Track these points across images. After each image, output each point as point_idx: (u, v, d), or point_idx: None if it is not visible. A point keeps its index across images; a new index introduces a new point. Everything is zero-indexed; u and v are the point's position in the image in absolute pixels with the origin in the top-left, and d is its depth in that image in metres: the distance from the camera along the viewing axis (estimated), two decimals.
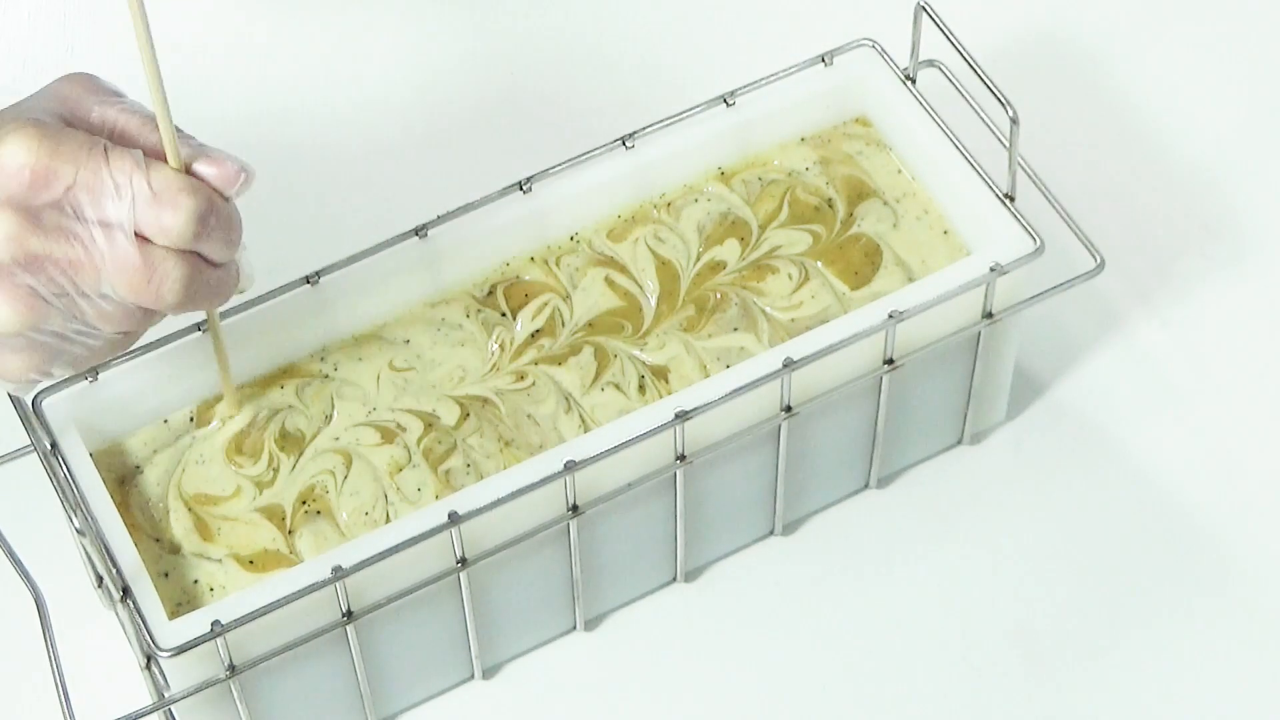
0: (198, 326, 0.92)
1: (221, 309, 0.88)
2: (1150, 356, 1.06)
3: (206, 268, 0.81)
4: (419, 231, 0.95)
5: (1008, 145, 0.95)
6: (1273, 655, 0.97)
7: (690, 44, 1.18)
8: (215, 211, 0.80)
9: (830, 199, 0.99)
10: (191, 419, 0.94)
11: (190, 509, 0.91)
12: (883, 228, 0.99)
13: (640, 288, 0.97)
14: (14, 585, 0.90)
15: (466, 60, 1.18)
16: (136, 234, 0.78)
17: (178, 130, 0.80)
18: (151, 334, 0.92)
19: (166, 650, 0.84)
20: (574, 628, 0.98)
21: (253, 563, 0.90)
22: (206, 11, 1.19)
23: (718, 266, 0.98)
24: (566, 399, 0.94)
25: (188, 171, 0.80)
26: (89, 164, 0.78)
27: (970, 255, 0.96)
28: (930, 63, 1.00)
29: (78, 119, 0.80)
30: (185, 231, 0.79)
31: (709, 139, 0.99)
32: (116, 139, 0.80)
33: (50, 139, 0.77)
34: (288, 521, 0.91)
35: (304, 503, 0.91)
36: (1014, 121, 0.94)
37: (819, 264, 0.98)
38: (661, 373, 0.95)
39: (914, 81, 0.99)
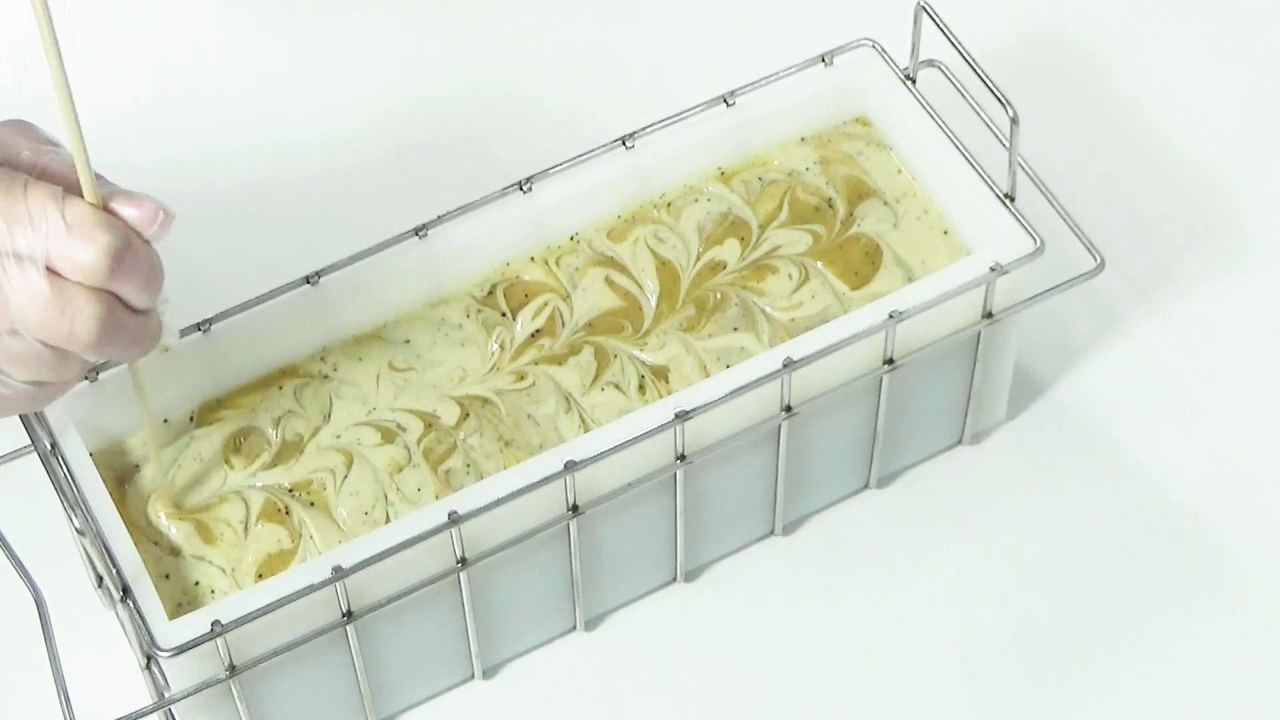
0: (198, 327, 0.92)
1: (145, 357, 0.84)
2: (1150, 356, 1.06)
3: (124, 312, 0.79)
4: (419, 231, 0.95)
5: (1008, 145, 0.95)
6: (1273, 655, 0.97)
7: (690, 44, 1.18)
8: (133, 251, 0.78)
9: (830, 199, 1.00)
10: (192, 419, 0.94)
11: (190, 510, 0.91)
12: (883, 228, 0.99)
13: (640, 288, 0.97)
14: (14, 585, 0.90)
15: (467, 60, 1.18)
16: (51, 269, 0.77)
17: (97, 175, 0.79)
18: None
19: (166, 650, 0.84)
20: (574, 628, 0.98)
21: (254, 563, 0.90)
22: (206, 11, 1.19)
23: (718, 266, 0.98)
24: (566, 399, 0.94)
25: (106, 210, 0.78)
26: (5, 196, 0.76)
27: (970, 255, 0.96)
28: (930, 63, 1.00)
29: (6, 159, 0.79)
30: (100, 267, 0.77)
31: (709, 139, 0.99)
32: (42, 179, 0.79)
33: None
34: (288, 521, 0.91)
35: (303, 502, 0.91)
36: (1014, 121, 0.94)
37: (819, 264, 0.98)
38: (661, 373, 0.95)
39: (914, 81, 0.99)
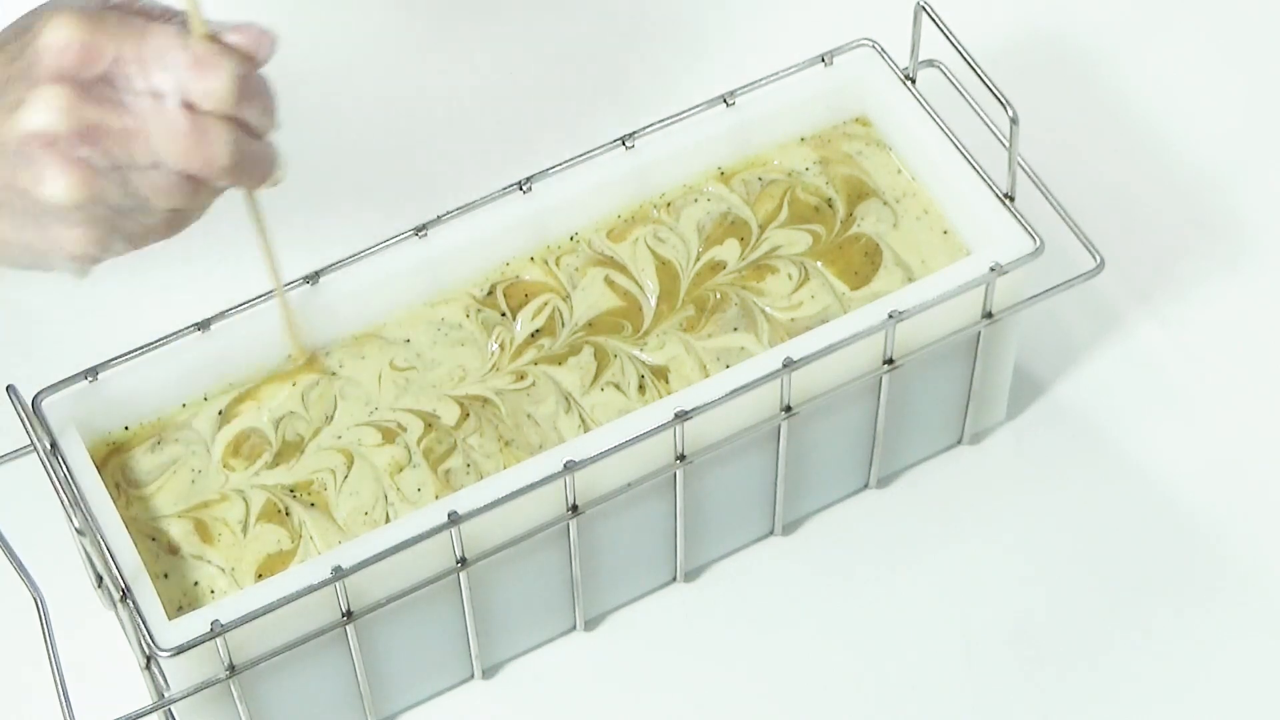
0: (198, 326, 0.92)
1: (261, 189, 0.86)
2: (1150, 356, 1.06)
3: (248, 139, 0.82)
4: (419, 231, 0.95)
5: (1008, 145, 0.95)
6: (1273, 655, 0.97)
7: (690, 44, 1.18)
8: (251, 76, 0.81)
9: (830, 199, 0.99)
10: (192, 418, 0.94)
11: (190, 510, 0.91)
12: (883, 228, 0.99)
13: (640, 288, 0.97)
14: (14, 585, 0.90)
15: (467, 60, 1.18)
16: (183, 102, 0.80)
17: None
18: (151, 334, 0.92)
19: (166, 650, 0.84)
20: (574, 628, 0.98)
21: (254, 563, 0.90)
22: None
23: (718, 266, 0.98)
24: (566, 399, 0.94)
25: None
26: (131, 38, 0.79)
27: (970, 255, 0.96)
28: (930, 63, 1.00)
29: (112, 6, 0.82)
30: (229, 93, 0.79)
31: (709, 139, 0.99)
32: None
33: (90, 19, 0.78)
34: (288, 521, 0.91)
35: (303, 502, 0.91)
36: (1014, 121, 0.94)
37: (819, 264, 0.98)
38: (661, 373, 0.95)
39: (914, 81, 0.99)
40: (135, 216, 0.81)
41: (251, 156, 0.82)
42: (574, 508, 0.90)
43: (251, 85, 0.81)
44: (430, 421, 0.94)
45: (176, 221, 0.83)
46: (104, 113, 0.78)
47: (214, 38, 0.80)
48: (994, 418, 1.03)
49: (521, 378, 0.95)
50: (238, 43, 0.81)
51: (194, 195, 0.82)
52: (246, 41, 0.81)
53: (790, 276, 0.97)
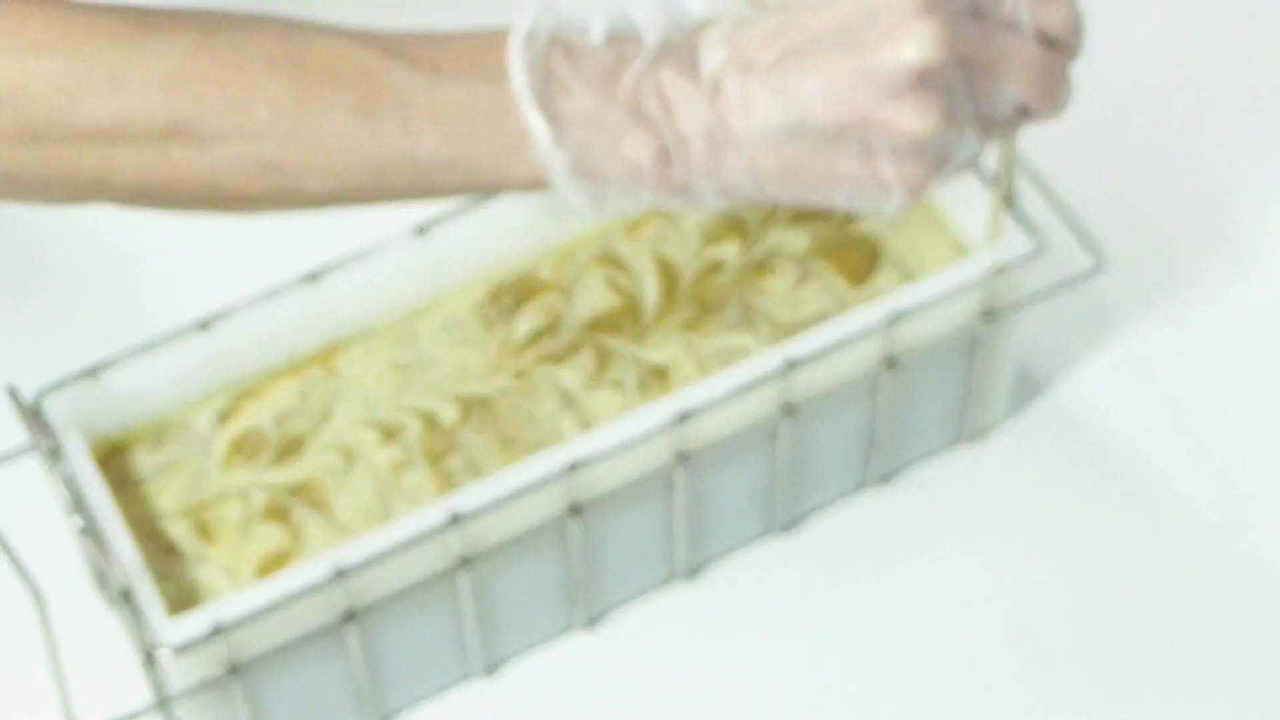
0: (199, 326, 0.92)
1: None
2: (1150, 356, 1.06)
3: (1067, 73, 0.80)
4: (419, 231, 0.95)
5: (1008, 145, 0.95)
6: (1273, 655, 0.97)
7: None
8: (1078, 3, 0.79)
9: None
10: (192, 418, 0.94)
11: (190, 510, 0.91)
12: (882, 228, 0.99)
13: (640, 287, 0.97)
14: (14, 585, 0.90)
15: None
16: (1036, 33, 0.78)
17: None
18: (149, 335, 0.92)
19: (167, 649, 0.84)
20: (574, 627, 0.98)
21: (254, 563, 0.90)
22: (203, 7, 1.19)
23: (718, 266, 0.98)
24: (566, 398, 0.94)
25: None
26: None
27: (970, 255, 0.96)
28: None
29: None
30: (1071, 22, 0.78)
31: None
32: None
33: None
34: (288, 521, 0.91)
35: (303, 502, 0.92)
36: None
37: (819, 264, 0.98)
38: (661, 372, 0.95)
39: None
40: (961, 150, 0.78)
41: (1069, 85, 0.79)
42: (574, 507, 0.90)
43: (1077, 14, 0.79)
44: (430, 421, 0.94)
45: (979, 156, 0.80)
46: (973, 45, 0.76)
47: None
48: (994, 418, 1.03)
49: (522, 377, 0.95)
50: None
51: (1014, 128, 0.80)
52: None
53: (791, 276, 0.97)
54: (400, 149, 0.77)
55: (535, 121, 0.76)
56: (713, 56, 0.76)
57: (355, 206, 0.80)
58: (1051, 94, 0.78)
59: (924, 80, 0.75)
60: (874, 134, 0.76)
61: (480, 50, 0.78)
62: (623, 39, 0.77)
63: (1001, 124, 0.79)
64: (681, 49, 0.76)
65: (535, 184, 0.77)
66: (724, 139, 0.76)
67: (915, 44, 0.74)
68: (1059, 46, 0.78)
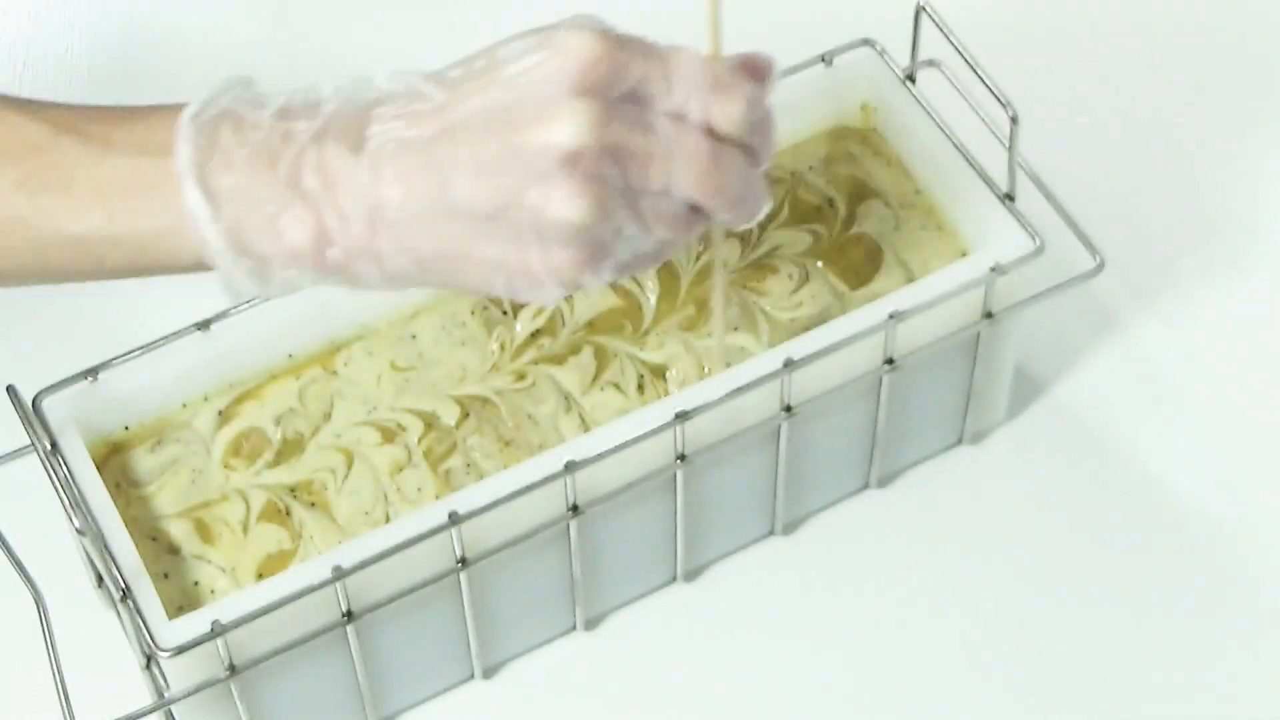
0: (198, 326, 0.92)
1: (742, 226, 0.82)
2: (1150, 356, 1.06)
3: (750, 168, 0.77)
4: None
5: (1008, 145, 0.95)
6: (1273, 655, 0.97)
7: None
8: (759, 103, 0.77)
9: (831, 199, 1.00)
10: (192, 418, 0.94)
11: (190, 510, 0.91)
12: (883, 228, 0.99)
13: (640, 287, 0.97)
14: (14, 585, 0.90)
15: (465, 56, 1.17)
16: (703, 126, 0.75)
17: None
18: (149, 335, 0.92)
19: (166, 650, 0.84)
20: (574, 628, 0.98)
21: (254, 563, 0.90)
22: (201, 6, 1.19)
23: None
24: (566, 399, 0.94)
25: None
26: (655, 56, 0.75)
27: (970, 255, 0.96)
28: (930, 63, 1.00)
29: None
30: (745, 119, 0.75)
31: None
32: None
33: (611, 36, 0.75)
34: (288, 521, 0.91)
35: (303, 502, 0.91)
36: (1014, 121, 0.94)
37: (819, 264, 0.98)
38: (661, 372, 0.95)
39: (914, 81, 0.99)
40: (629, 243, 0.76)
41: (755, 187, 0.77)
42: (574, 508, 0.90)
43: (761, 112, 0.77)
44: (430, 421, 0.94)
45: (663, 253, 0.78)
46: (629, 133, 0.74)
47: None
48: (994, 418, 1.04)
49: (522, 377, 0.95)
50: (748, 66, 0.77)
51: (689, 226, 0.77)
52: (756, 65, 0.77)
53: (790, 276, 0.97)
54: (63, 225, 0.75)
55: (190, 196, 0.73)
56: (377, 133, 0.74)
57: (33, 284, 0.78)
58: (723, 193, 0.75)
59: (573, 163, 0.72)
60: (523, 218, 0.73)
61: (155, 126, 0.76)
62: (297, 113, 0.75)
63: (673, 221, 0.76)
64: (352, 124, 0.74)
65: (203, 263, 0.75)
66: (380, 219, 0.74)
67: (564, 125, 0.72)
68: (737, 144, 0.76)
